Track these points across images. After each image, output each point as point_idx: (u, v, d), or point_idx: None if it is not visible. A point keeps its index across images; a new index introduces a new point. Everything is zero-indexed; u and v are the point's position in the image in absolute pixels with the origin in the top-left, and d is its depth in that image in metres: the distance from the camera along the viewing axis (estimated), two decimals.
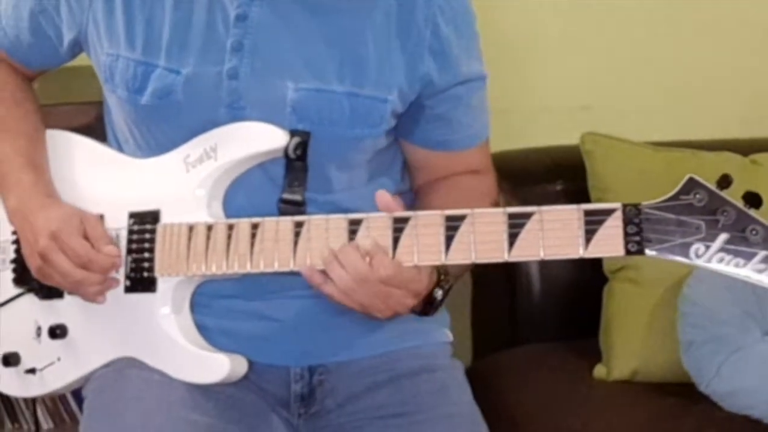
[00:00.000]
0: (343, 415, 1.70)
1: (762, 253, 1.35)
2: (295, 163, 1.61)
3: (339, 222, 1.51)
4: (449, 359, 1.79)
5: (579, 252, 1.42)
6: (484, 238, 1.45)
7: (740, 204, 1.37)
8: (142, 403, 1.62)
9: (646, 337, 2.30)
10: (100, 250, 1.61)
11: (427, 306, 1.58)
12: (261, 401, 1.68)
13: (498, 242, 1.44)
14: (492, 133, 1.80)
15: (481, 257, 1.46)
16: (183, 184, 1.63)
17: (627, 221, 1.40)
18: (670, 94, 2.84)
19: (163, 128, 1.66)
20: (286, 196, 1.61)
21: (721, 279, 1.41)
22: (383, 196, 1.50)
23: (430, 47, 1.64)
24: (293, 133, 1.60)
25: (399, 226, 1.48)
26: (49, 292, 1.70)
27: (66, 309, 1.70)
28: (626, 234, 1.40)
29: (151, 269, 1.62)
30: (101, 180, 1.71)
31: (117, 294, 1.64)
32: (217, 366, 1.60)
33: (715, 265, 1.37)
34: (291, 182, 1.61)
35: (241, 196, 1.63)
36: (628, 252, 1.40)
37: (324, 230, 1.51)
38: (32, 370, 1.72)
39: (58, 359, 1.71)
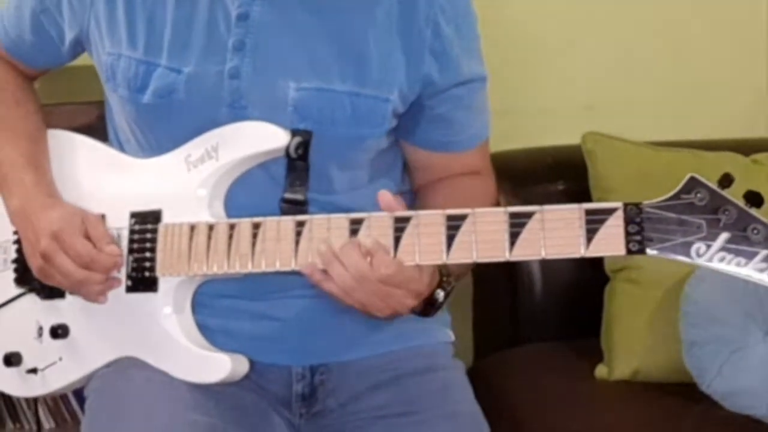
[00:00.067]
0: (345, 415, 1.70)
1: (763, 253, 1.35)
2: (297, 162, 1.60)
3: (340, 221, 1.50)
4: (451, 359, 1.79)
5: (580, 251, 1.42)
6: (486, 238, 1.45)
7: (741, 203, 1.37)
8: (143, 403, 1.62)
9: (648, 337, 2.30)
10: (101, 249, 1.61)
11: (428, 307, 1.57)
12: (262, 401, 1.68)
13: (499, 242, 1.44)
14: (493, 133, 1.80)
15: (483, 257, 1.45)
16: (184, 183, 1.62)
17: (628, 220, 1.40)
18: (671, 94, 2.84)
19: (165, 127, 1.65)
20: (288, 195, 1.61)
21: (723, 279, 1.41)
22: (385, 196, 1.50)
23: (430, 47, 1.64)
24: (294, 132, 1.60)
25: (400, 225, 1.48)
26: (51, 292, 1.70)
27: (67, 309, 1.70)
28: (627, 233, 1.40)
29: (152, 269, 1.62)
30: (103, 180, 1.71)
31: (118, 294, 1.64)
32: (218, 366, 1.60)
33: (716, 265, 1.37)
34: (292, 182, 1.61)
35: (243, 195, 1.63)
36: (630, 251, 1.40)
37: (326, 230, 1.50)
38: (34, 370, 1.72)
39: (60, 359, 1.71)
